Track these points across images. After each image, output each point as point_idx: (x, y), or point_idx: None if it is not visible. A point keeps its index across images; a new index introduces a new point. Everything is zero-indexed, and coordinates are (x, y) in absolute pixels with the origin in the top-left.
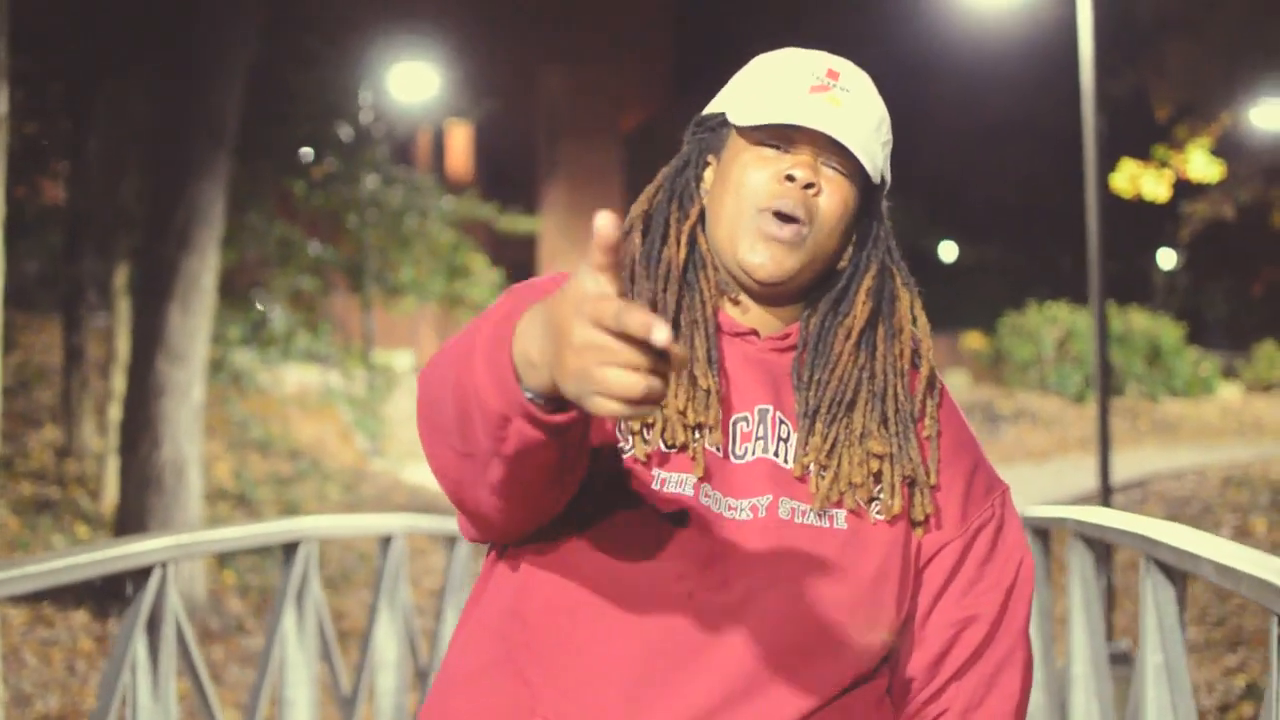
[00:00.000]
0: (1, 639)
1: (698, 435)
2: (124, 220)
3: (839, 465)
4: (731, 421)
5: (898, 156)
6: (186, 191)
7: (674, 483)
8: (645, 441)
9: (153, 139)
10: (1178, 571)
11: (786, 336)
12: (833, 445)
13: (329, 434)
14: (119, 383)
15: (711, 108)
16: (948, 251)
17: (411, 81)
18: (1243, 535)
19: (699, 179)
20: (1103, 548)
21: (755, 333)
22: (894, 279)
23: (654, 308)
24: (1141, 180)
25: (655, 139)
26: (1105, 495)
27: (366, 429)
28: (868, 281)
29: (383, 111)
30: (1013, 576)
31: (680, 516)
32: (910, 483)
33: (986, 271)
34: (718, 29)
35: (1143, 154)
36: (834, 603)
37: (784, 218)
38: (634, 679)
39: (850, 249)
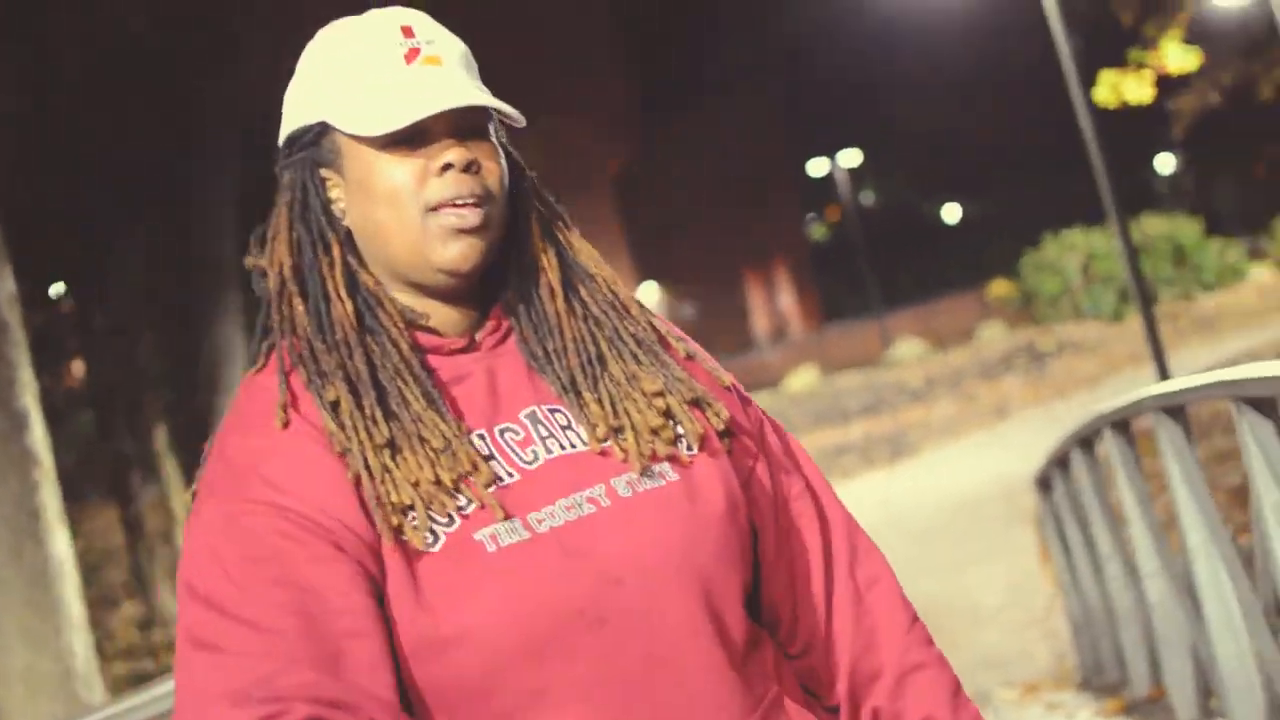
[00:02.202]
0: None
1: (465, 490)
2: (148, 382)
3: (630, 419)
4: (499, 434)
5: (885, 129)
6: (204, 334)
7: (497, 537)
8: (429, 532)
9: (158, 293)
10: (1269, 402)
11: (498, 326)
12: (612, 404)
13: None
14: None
15: (299, 119)
16: (951, 214)
17: None
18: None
19: (327, 205)
20: (1184, 418)
21: (472, 342)
22: (554, 220)
23: (348, 380)
24: (1123, 86)
25: (638, 180)
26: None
27: None
28: (537, 234)
29: None
30: (786, 435)
31: (522, 560)
32: (695, 403)
33: (994, 221)
34: (676, 57)
35: (1119, 63)
36: (709, 551)
37: (456, 205)
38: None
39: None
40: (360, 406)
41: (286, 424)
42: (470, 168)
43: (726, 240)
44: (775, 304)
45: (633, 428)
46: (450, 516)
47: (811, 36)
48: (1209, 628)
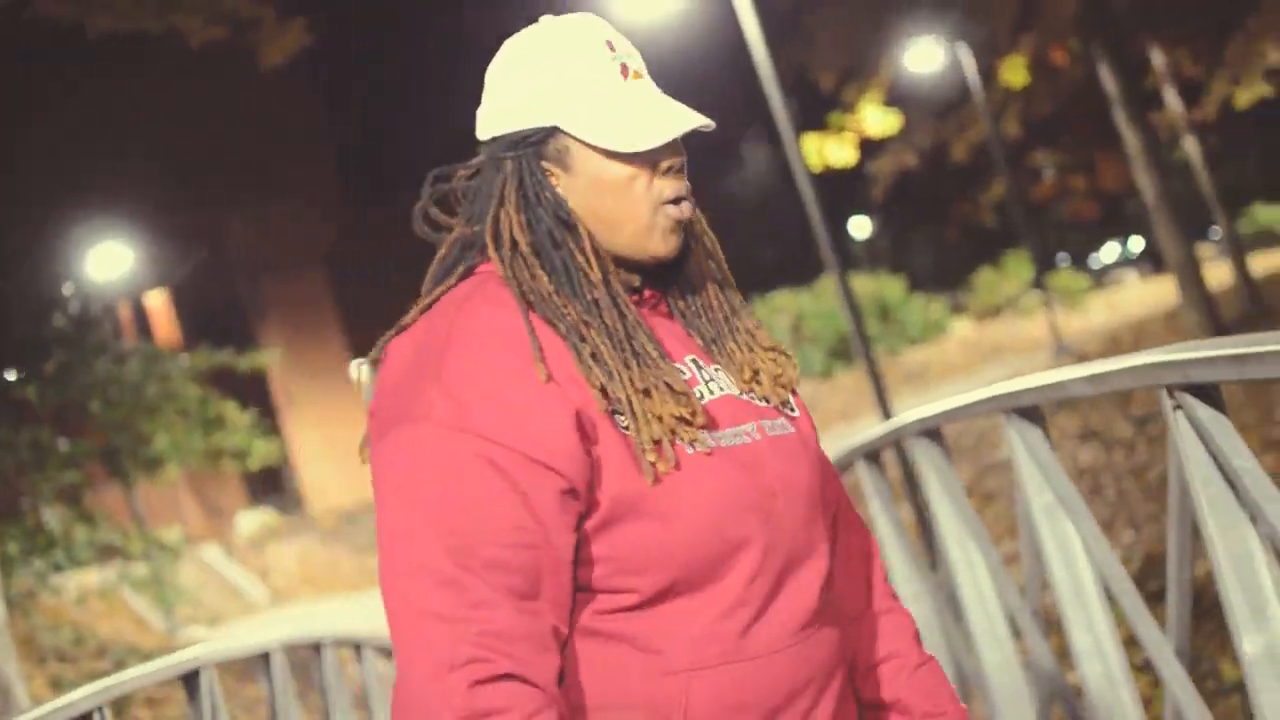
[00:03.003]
0: None
1: (694, 422)
2: None
3: (762, 366)
4: None
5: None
6: None
7: (696, 444)
8: (683, 439)
9: None
10: (1036, 410)
11: (651, 295)
12: (749, 349)
13: (124, 625)
14: None
15: (527, 121)
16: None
17: (107, 261)
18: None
19: (558, 196)
20: (942, 439)
21: (641, 298)
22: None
23: (606, 333)
24: (826, 150)
25: (350, 261)
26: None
27: (164, 603)
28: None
29: (87, 294)
30: None
31: (721, 464)
32: (790, 362)
33: None
34: (382, 143)
35: (820, 127)
36: (819, 486)
37: (675, 202)
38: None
39: None
40: (618, 355)
41: (549, 377)
42: (684, 166)
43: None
44: None
45: (767, 374)
46: (682, 440)
47: None
48: (974, 638)
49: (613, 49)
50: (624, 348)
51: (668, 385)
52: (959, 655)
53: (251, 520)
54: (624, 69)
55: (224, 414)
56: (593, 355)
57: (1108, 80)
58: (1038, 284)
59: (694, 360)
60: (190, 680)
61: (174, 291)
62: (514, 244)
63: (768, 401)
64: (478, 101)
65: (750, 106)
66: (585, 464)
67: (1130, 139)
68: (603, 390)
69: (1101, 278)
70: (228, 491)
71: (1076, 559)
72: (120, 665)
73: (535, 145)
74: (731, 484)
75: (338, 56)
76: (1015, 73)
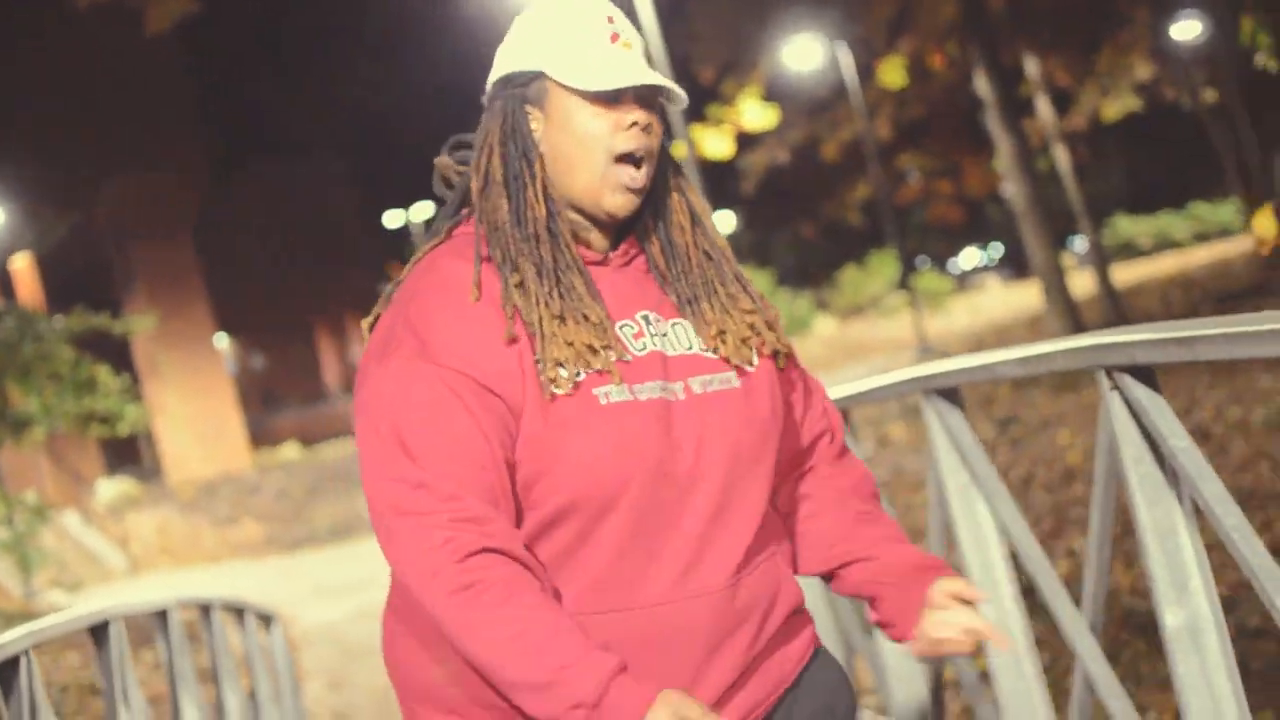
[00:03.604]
0: None
1: (604, 354)
2: None
3: (731, 328)
4: (619, 327)
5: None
6: None
7: (611, 394)
8: (572, 376)
9: None
10: (955, 391)
11: (627, 253)
12: (722, 313)
13: None
14: None
15: (517, 65)
16: None
17: None
18: (884, 444)
19: (530, 132)
20: (850, 420)
21: (606, 258)
22: (682, 178)
23: (535, 265)
24: (703, 141)
25: (218, 233)
26: None
27: (26, 567)
28: (672, 186)
29: None
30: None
31: (625, 414)
32: (769, 325)
33: None
34: (251, 112)
35: (699, 118)
36: (751, 442)
37: (633, 160)
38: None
39: None
40: (542, 284)
41: (478, 299)
42: (648, 129)
43: (300, 293)
44: (346, 355)
45: (734, 336)
46: (583, 374)
47: (391, 89)
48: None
49: (611, 22)
50: (550, 279)
51: (584, 316)
52: (851, 637)
53: (111, 488)
54: (614, 36)
55: (97, 377)
56: (519, 285)
57: (983, 86)
58: (903, 284)
59: (646, 315)
60: (99, 632)
61: (39, 256)
62: (488, 176)
63: (729, 361)
64: (352, 77)
65: None
66: (522, 390)
67: (1004, 145)
68: (524, 319)
69: (963, 282)
70: (86, 458)
71: (987, 539)
72: None
73: (521, 87)
74: (625, 433)
75: (219, 26)
76: (893, 74)
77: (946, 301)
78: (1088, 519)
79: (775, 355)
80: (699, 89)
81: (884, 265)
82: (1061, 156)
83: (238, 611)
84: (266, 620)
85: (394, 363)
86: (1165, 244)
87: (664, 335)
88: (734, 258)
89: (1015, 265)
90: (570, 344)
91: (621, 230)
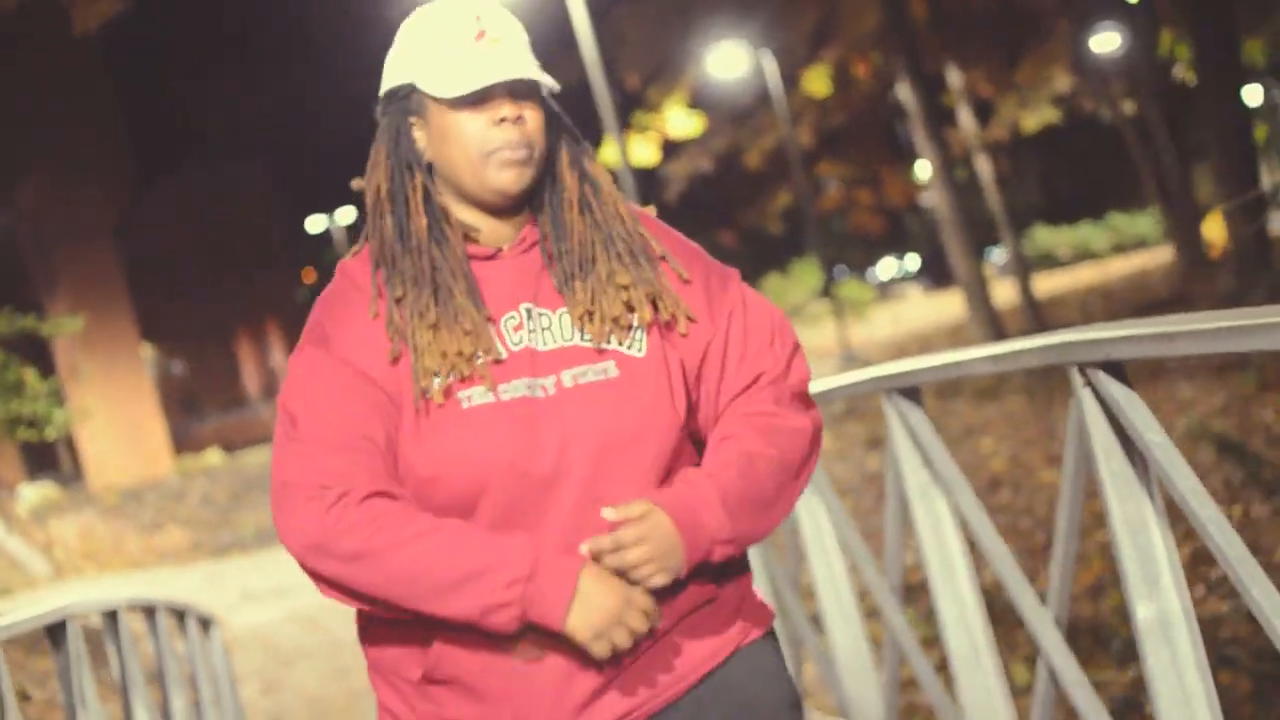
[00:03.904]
0: None
1: (478, 359)
2: None
3: (601, 307)
4: (503, 322)
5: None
6: None
7: (474, 398)
8: (444, 384)
9: None
10: (916, 391)
11: (524, 240)
12: (592, 294)
13: None
14: None
15: (393, 80)
16: None
17: None
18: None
19: (413, 144)
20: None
21: (499, 250)
22: (581, 153)
23: (415, 279)
24: (629, 148)
25: (138, 237)
26: None
27: None
28: (566, 162)
29: None
30: (770, 331)
31: (483, 416)
32: (654, 297)
33: None
34: (170, 116)
35: (625, 125)
36: (625, 432)
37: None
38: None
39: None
40: (420, 297)
41: (376, 315)
42: (518, 120)
43: (221, 298)
44: (267, 362)
45: (600, 314)
46: (454, 380)
47: (314, 93)
48: (823, 617)
49: (479, 19)
50: (428, 288)
51: (458, 322)
52: (801, 634)
53: (33, 493)
54: (480, 34)
55: (25, 380)
56: (399, 300)
57: (907, 95)
58: (825, 293)
59: (529, 308)
60: (56, 631)
61: None
62: (377, 193)
63: (602, 350)
64: (276, 81)
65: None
66: (404, 400)
67: (928, 154)
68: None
69: (884, 291)
70: (6, 462)
71: (947, 536)
72: None
73: (400, 100)
74: (479, 436)
75: (144, 27)
76: (818, 82)
77: (868, 310)
78: (1015, 526)
79: (675, 322)
80: (624, 95)
81: (806, 273)
82: (983, 167)
83: (179, 614)
84: (205, 624)
85: (307, 350)
86: (1084, 255)
87: (546, 329)
88: (642, 226)
89: (934, 275)
90: (444, 353)
91: (520, 219)
